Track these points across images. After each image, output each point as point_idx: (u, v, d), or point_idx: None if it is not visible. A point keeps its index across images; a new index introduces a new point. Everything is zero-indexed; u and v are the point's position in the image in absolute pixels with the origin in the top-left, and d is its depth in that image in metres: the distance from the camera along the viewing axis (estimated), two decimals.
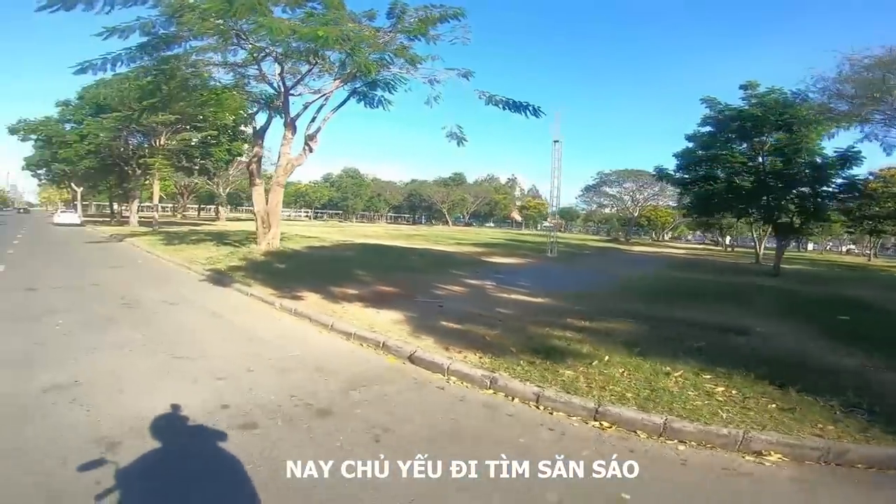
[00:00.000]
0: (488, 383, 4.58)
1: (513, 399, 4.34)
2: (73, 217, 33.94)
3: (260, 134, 16.51)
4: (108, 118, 24.15)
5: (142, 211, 45.75)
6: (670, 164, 23.67)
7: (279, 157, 15.92)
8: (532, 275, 14.54)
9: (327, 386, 4.41)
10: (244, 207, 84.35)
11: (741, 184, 19.74)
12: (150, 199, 36.24)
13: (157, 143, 28.25)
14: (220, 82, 15.95)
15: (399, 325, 6.63)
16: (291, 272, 11.79)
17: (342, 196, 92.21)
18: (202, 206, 78.80)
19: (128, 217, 35.16)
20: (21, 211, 77.26)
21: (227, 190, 54.08)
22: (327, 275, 11.25)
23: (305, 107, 16.30)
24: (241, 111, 15.45)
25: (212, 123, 29.38)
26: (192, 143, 30.06)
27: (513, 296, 9.83)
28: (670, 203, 69.70)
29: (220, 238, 22.76)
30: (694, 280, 15.15)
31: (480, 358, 5.19)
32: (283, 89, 15.78)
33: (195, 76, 15.10)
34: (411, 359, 5.29)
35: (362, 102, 16.93)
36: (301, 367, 4.91)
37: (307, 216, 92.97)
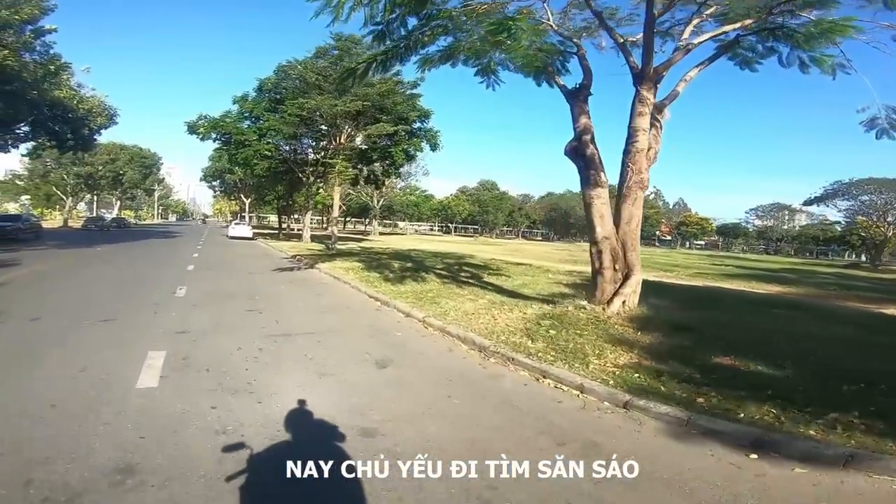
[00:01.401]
0: None
1: None
2: (246, 230, 31.43)
3: (582, 96, 8.81)
4: (293, 104, 19.37)
5: (296, 223, 43.10)
6: None
7: (631, 135, 7.94)
8: None
9: None
10: (386, 221, 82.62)
11: None
12: (303, 211, 32.48)
13: (338, 142, 23.19)
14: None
15: None
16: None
17: (482, 210, 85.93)
18: (346, 219, 78.31)
19: (298, 231, 31.43)
20: (201, 221, 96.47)
21: (381, 202, 50.26)
22: None
23: (687, 50, 8.20)
24: (546, 52, 7.91)
25: (397, 116, 23.64)
26: (371, 143, 24.57)
27: None
28: None
29: (425, 267, 16.10)
30: None
31: None
32: (646, 17, 7.89)
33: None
34: None
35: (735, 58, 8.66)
36: None
37: (440, 230, 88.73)
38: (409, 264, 16.61)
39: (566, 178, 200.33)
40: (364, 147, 26.22)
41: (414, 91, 23.55)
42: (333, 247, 22.20)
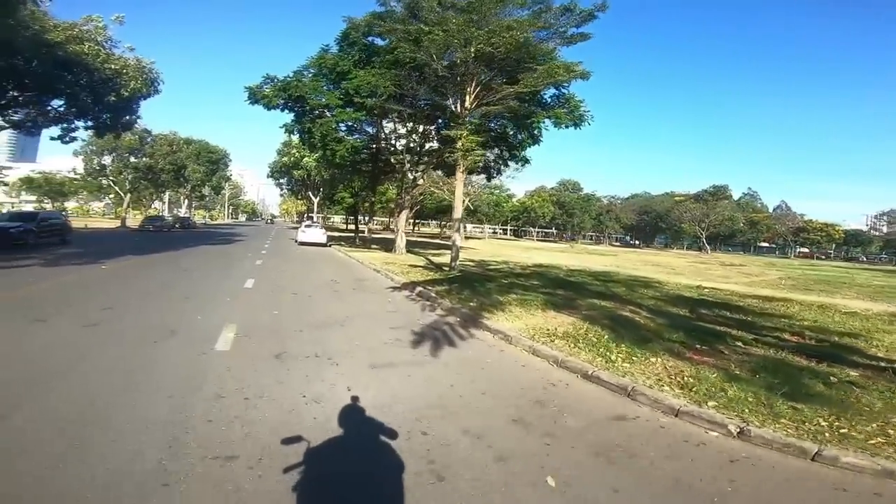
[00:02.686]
0: None
1: None
2: (319, 234, 24.45)
3: None
4: (407, 34, 11.94)
5: (375, 225, 36.01)
6: None
7: None
8: None
9: None
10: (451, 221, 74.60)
11: None
12: (397, 211, 25.06)
13: (462, 106, 15.29)
14: None
15: None
16: None
17: (566, 212, 75.81)
18: (417, 221, 71.09)
19: (377, 236, 24.08)
20: (268, 222, 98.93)
21: (467, 201, 42.29)
22: None
23: None
24: None
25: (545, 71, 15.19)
26: (512, 109, 16.15)
27: None
28: None
29: (684, 321, 7.72)
30: None
31: None
32: None
33: None
34: None
35: None
36: None
37: (512, 234, 79.74)
38: (644, 312, 8.33)
39: (649, 179, 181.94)
40: (494, 118, 18.34)
41: (581, 29, 14.89)
42: (455, 265, 14.35)
